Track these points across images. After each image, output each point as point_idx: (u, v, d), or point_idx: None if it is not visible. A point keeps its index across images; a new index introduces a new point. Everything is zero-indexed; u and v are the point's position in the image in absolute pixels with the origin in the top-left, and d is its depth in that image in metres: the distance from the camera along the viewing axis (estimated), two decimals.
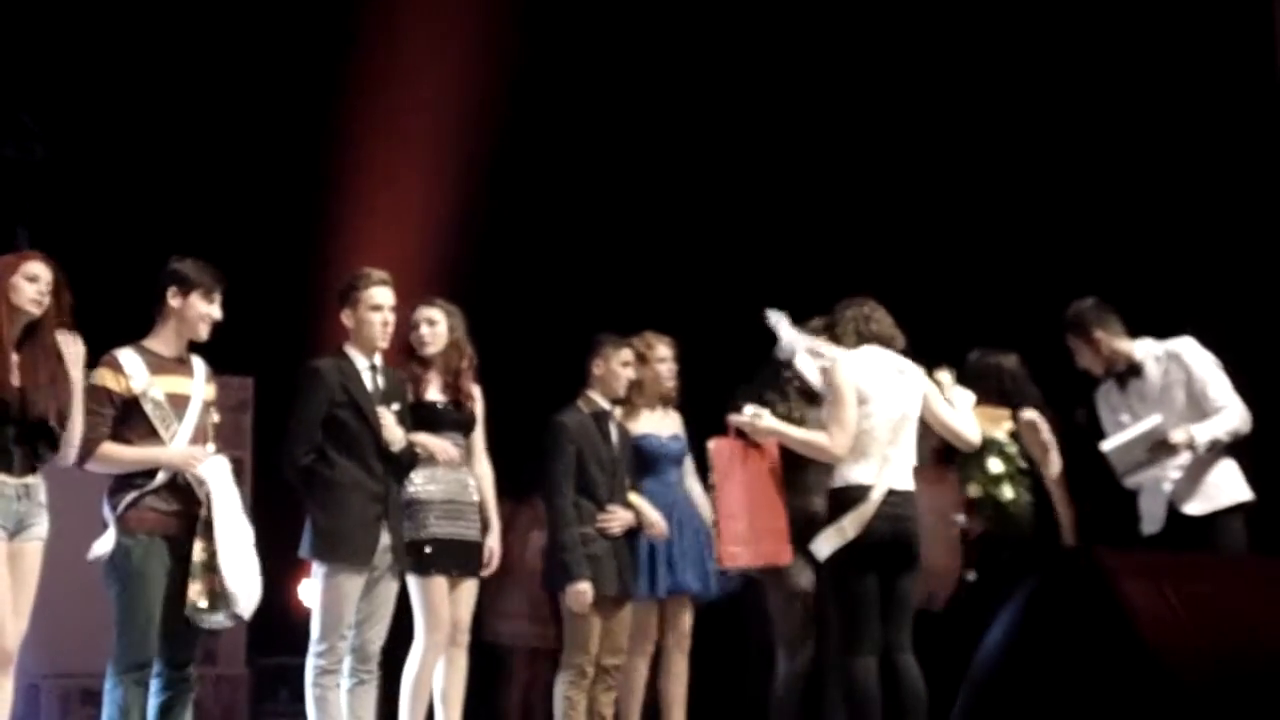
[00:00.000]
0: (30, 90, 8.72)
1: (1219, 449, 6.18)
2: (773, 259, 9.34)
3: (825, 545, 6.03)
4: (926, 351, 6.49)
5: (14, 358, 5.06)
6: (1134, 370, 6.31)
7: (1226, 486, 6.21)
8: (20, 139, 8.68)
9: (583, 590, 6.35)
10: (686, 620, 6.86)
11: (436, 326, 6.36)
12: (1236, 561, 2.84)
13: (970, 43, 9.10)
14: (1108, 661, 2.36)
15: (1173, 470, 6.22)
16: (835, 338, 6.32)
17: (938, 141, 9.26)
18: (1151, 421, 6.20)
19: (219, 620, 5.36)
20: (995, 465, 6.36)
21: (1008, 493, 6.36)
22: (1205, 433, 6.10)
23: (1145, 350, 6.32)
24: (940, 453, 6.75)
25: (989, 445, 6.38)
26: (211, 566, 5.27)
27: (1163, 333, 6.47)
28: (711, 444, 6.34)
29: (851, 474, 6.07)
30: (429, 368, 6.36)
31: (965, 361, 6.79)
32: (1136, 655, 2.28)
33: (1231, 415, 6.14)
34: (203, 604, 5.26)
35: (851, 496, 6.03)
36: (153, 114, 9.19)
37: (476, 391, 6.46)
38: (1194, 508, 6.21)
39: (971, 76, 9.12)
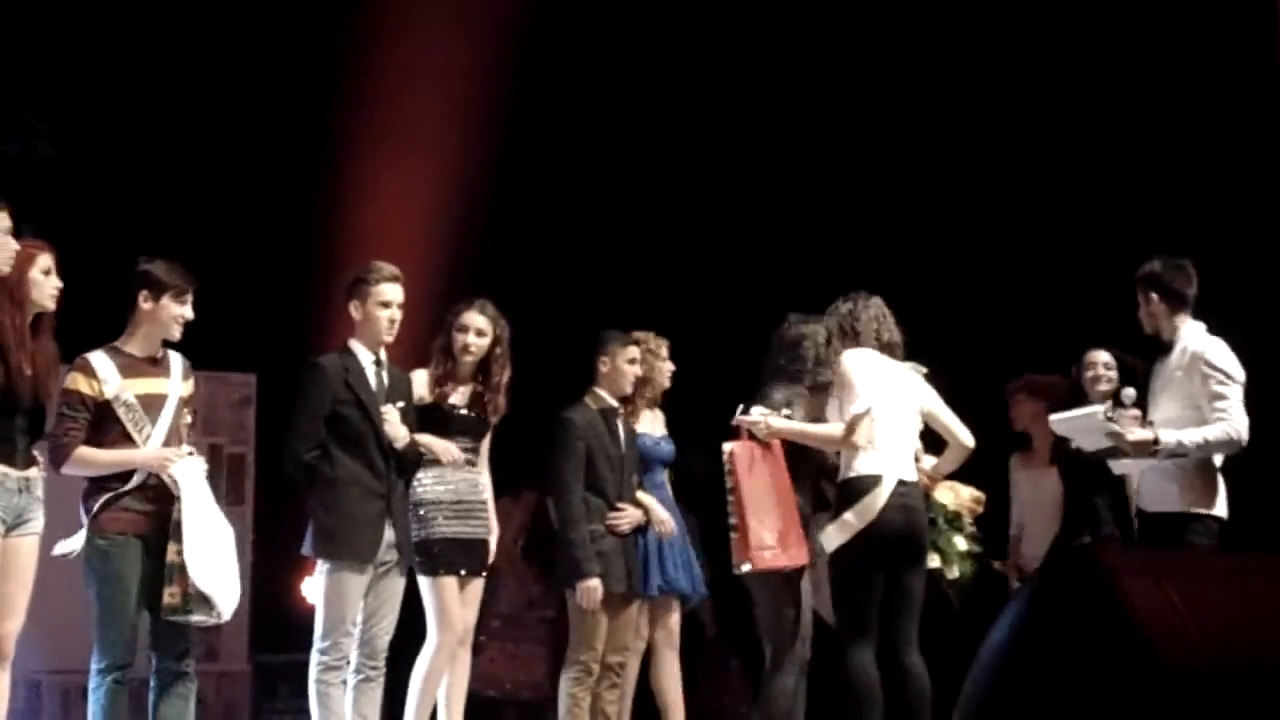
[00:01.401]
0: (34, 87, 8.72)
1: (1195, 457, 5.97)
2: (768, 261, 9.38)
3: (836, 536, 5.98)
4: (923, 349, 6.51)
5: (28, 348, 5.09)
6: (1170, 347, 6.15)
7: (1186, 493, 6.01)
8: (24, 136, 8.68)
9: (593, 587, 6.34)
10: (675, 619, 6.91)
11: (484, 338, 6.34)
12: (1240, 559, 2.82)
13: (976, 44, 9.11)
14: (1109, 661, 2.35)
15: (1147, 464, 6.10)
16: (853, 335, 6.25)
17: (938, 143, 9.28)
18: (1091, 409, 6.13)
19: (198, 619, 5.35)
20: (961, 544, 6.38)
21: (955, 571, 6.37)
22: (1172, 436, 5.91)
23: (1186, 333, 6.10)
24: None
25: (955, 523, 6.39)
26: (181, 570, 5.26)
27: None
28: (728, 447, 6.21)
29: (861, 464, 6.02)
30: (460, 371, 6.33)
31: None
32: (1138, 654, 2.27)
33: (1215, 430, 5.90)
34: (178, 605, 5.27)
35: (862, 487, 5.98)
36: (157, 110, 9.19)
37: (503, 403, 6.45)
38: (1146, 503, 6.14)
39: (974, 78, 9.13)
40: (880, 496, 5.94)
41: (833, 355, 6.30)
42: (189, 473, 5.37)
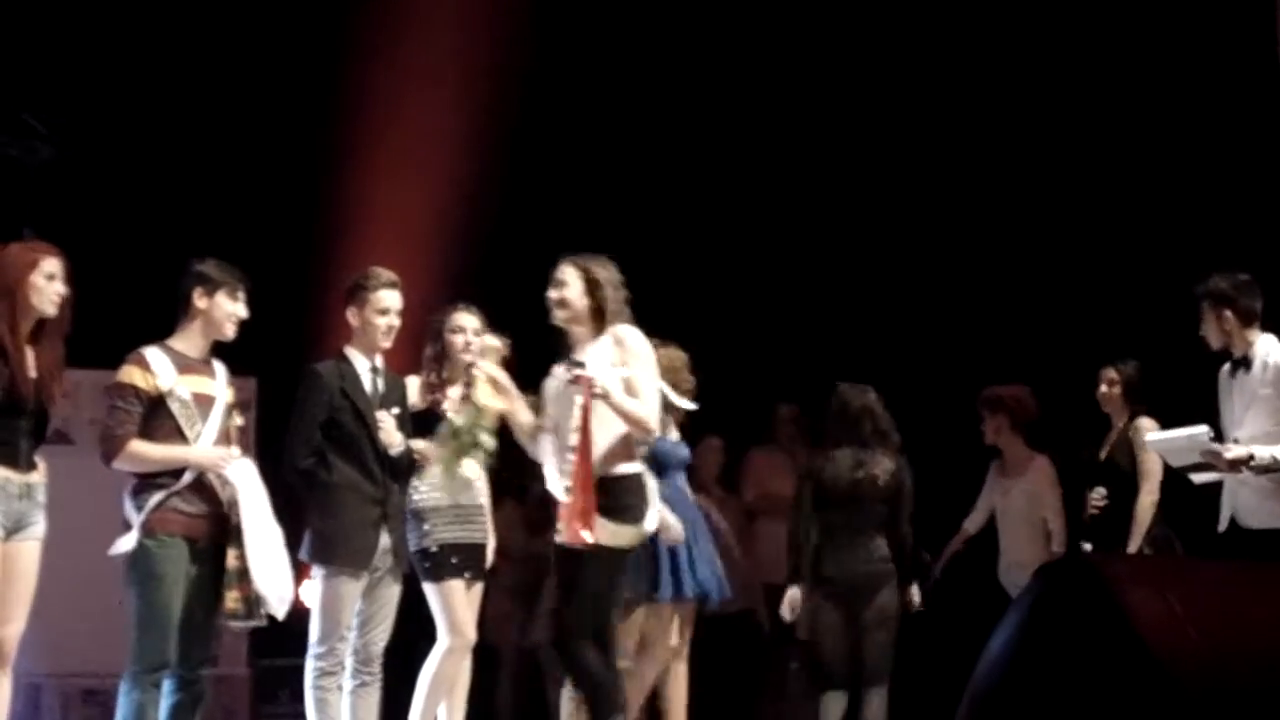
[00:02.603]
0: (34, 91, 8.71)
1: None
2: (769, 271, 9.39)
3: (627, 536, 5.48)
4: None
5: (30, 352, 5.09)
6: (1245, 362, 6.17)
7: None
8: (25, 139, 8.67)
9: None
10: (690, 624, 6.86)
11: (480, 337, 6.34)
12: (1246, 569, 2.82)
13: (974, 61, 9.14)
14: (1111, 671, 2.34)
15: (1239, 478, 6.08)
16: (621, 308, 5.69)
17: (933, 154, 9.30)
18: (1196, 430, 6.13)
19: (252, 624, 5.43)
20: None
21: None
22: (1266, 452, 5.92)
23: (1263, 346, 6.15)
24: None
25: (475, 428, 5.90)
26: (244, 574, 5.30)
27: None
28: (580, 400, 5.43)
29: (635, 460, 5.54)
30: (454, 376, 6.31)
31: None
32: (1140, 664, 2.26)
33: None
34: (240, 610, 5.28)
35: (641, 484, 5.52)
36: (157, 114, 9.19)
37: None
38: (1248, 519, 6.11)
39: (976, 89, 9.16)
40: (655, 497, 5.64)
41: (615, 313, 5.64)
42: (244, 475, 5.40)
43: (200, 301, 5.48)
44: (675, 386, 6.70)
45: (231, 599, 5.27)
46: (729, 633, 8.32)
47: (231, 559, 5.30)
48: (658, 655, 6.75)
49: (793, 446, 9.02)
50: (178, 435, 5.35)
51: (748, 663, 8.51)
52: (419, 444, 6.08)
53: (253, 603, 5.29)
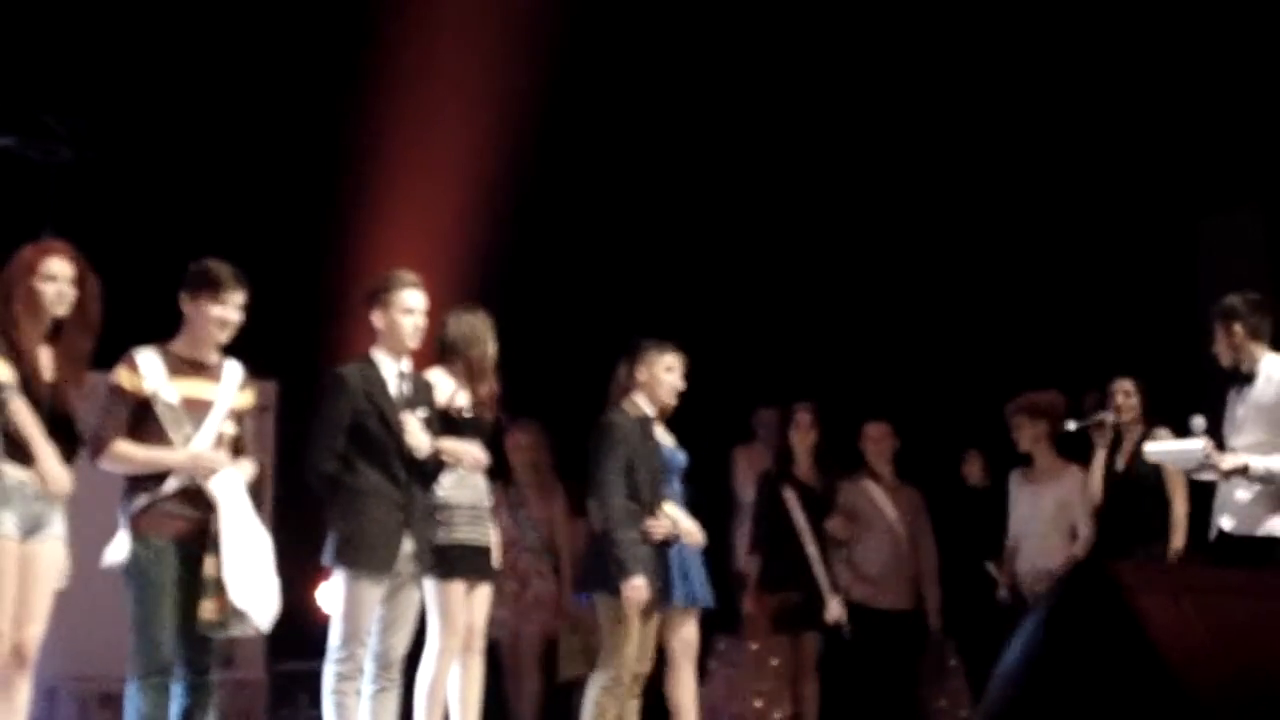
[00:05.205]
0: (54, 93, 8.74)
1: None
2: (782, 277, 9.41)
3: None
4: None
5: (45, 354, 5.07)
6: (1250, 376, 6.32)
7: (1270, 518, 6.15)
8: (45, 141, 8.70)
9: (640, 585, 6.28)
10: (693, 629, 6.82)
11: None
12: (1261, 577, 2.81)
13: (997, 57, 9.15)
14: (1126, 679, 2.33)
15: (1232, 485, 6.23)
16: None
17: (943, 160, 9.34)
18: (1192, 445, 6.20)
19: (233, 632, 5.31)
20: None
21: None
22: (1262, 464, 6.07)
23: (1269, 364, 6.31)
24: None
25: None
26: (219, 585, 5.19)
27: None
28: None
29: None
30: (464, 375, 6.32)
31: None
32: (1154, 672, 2.26)
33: None
34: (214, 619, 5.21)
35: None
36: (176, 116, 9.21)
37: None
38: (1234, 525, 6.23)
39: (987, 102, 9.18)
40: None
41: None
42: (227, 486, 5.29)
43: (186, 306, 5.39)
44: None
45: (207, 609, 5.16)
46: (893, 628, 8.32)
47: (209, 567, 5.18)
48: (689, 655, 6.76)
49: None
50: (165, 440, 5.27)
51: (910, 657, 8.49)
52: (446, 443, 6.06)
53: (229, 615, 5.17)
